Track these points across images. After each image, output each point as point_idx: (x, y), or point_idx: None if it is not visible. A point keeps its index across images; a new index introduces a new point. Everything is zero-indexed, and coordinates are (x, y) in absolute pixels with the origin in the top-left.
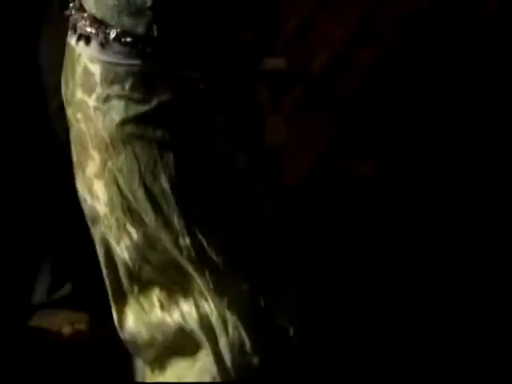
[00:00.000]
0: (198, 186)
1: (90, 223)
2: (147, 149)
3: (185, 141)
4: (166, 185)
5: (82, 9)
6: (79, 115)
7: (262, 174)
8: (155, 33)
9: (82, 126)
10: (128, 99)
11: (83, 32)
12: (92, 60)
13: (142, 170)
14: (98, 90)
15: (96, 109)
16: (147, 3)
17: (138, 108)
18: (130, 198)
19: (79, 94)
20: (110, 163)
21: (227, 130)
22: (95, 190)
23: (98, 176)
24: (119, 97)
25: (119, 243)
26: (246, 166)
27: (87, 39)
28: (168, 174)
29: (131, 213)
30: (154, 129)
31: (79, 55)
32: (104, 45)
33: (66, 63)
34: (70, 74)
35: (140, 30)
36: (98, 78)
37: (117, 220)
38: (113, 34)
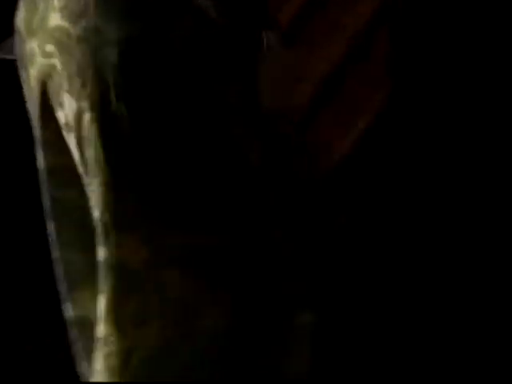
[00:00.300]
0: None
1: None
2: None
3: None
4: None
5: None
6: (50, 47)
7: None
8: None
9: (55, 61)
10: (131, 32)
11: None
12: None
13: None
14: (90, 15)
15: (82, 40)
16: None
17: (144, 47)
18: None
19: (56, 20)
20: (88, 116)
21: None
22: (67, 143)
23: (70, 128)
24: (120, 28)
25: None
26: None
27: None
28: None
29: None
30: (159, 75)
31: None
32: None
33: None
34: None
35: None
36: None
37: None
38: None
